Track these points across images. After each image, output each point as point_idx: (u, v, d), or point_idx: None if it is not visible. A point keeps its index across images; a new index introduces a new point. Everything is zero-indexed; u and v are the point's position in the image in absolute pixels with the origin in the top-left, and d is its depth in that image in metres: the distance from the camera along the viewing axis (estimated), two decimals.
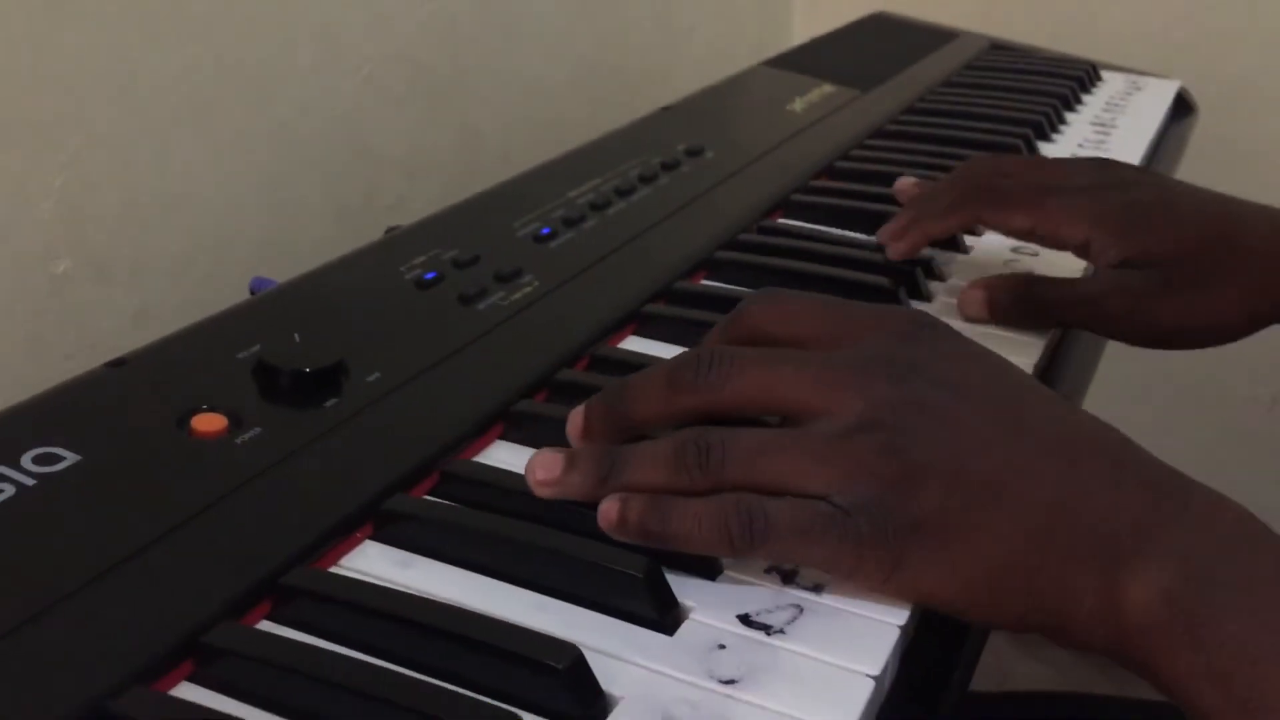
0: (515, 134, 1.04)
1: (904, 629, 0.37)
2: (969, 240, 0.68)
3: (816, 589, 0.39)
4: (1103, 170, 0.61)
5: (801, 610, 0.38)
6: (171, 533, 0.38)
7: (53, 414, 0.42)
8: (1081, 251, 0.58)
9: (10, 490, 0.38)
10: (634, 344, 0.55)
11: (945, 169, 0.73)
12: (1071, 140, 0.89)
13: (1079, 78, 1.02)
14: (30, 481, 0.39)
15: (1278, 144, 1.38)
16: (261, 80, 0.81)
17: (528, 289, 0.56)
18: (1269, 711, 0.33)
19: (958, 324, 0.55)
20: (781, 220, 0.70)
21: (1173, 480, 0.38)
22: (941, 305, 0.61)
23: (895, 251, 0.61)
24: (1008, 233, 0.60)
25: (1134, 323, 0.57)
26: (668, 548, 0.38)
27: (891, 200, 0.67)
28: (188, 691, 0.34)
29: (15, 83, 0.66)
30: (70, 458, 0.40)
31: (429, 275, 0.55)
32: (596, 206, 0.65)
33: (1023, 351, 0.56)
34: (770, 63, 0.97)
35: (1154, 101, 1.01)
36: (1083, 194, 0.58)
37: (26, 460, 0.40)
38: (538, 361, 0.50)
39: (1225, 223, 0.58)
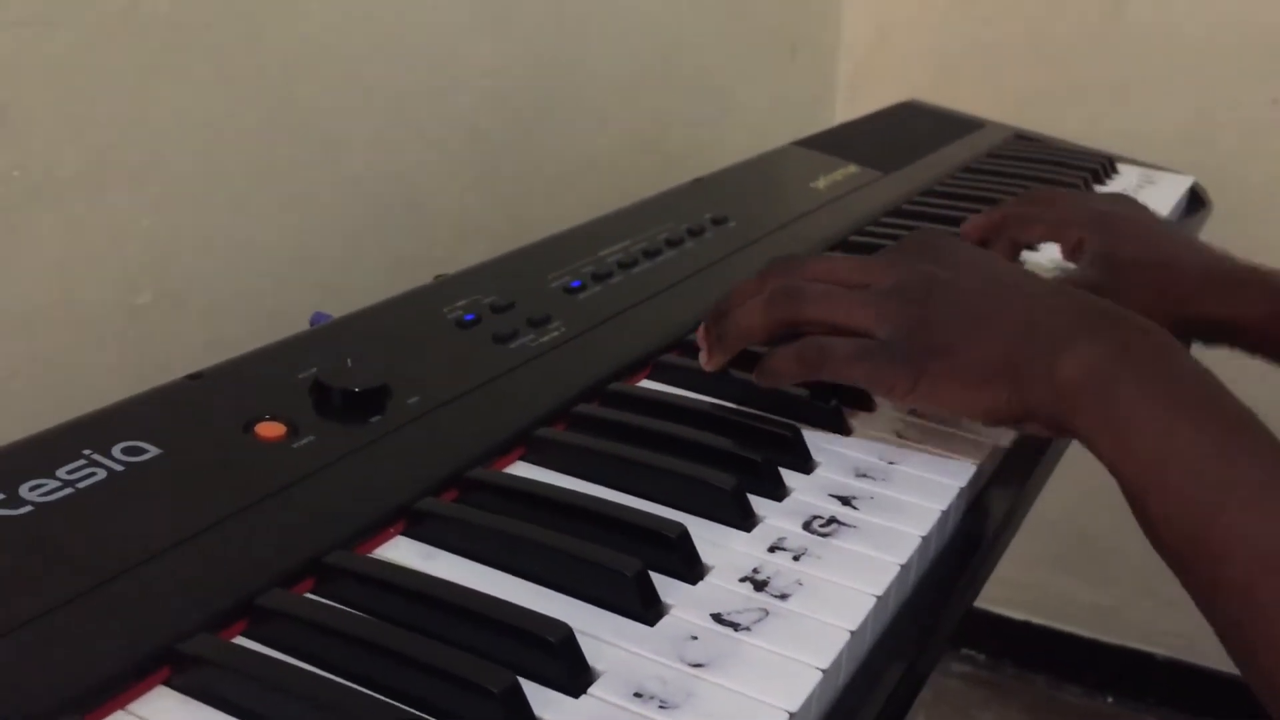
0: (562, 199, 1.12)
1: (855, 633, 0.43)
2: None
3: (783, 597, 0.45)
4: (1114, 198, 0.79)
5: (767, 613, 0.44)
6: (233, 516, 0.45)
7: (140, 414, 0.50)
8: (1078, 249, 0.73)
9: (102, 474, 0.45)
10: (647, 386, 0.61)
11: None
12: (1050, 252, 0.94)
13: (1094, 169, 1.08)
14: (119, 468, 0.46)
15: None
16: (331, 139, 0.89)
17: (555, 333, 0.62)
18: (1139, 446, 0.48)
19: None
20: None
21: (1096, 302, 0.54)
22: None
23: None
24: (1035, 242, 0.77)
25: None
26: (768, 385, 0.56)
27: None
28: (244, 642, 0.40)
29: (114, 132, 0.74)
30: (153, 451, 0.47)
31: (469, 317, 0.62)
32: (624, 265, 0.72)
33: None
34: (800, 143, 1.04)
35: (1165, 194, 1.07)
36: (1081, 204, 0.76)
37: (117, 450, 0.47)
38: (558, 395, 0.57)
39: (1173, 247, 0.73)
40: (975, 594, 0.57)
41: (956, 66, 1.62)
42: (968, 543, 0.54)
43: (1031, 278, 0.58)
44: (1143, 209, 0.78)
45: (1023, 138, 1.21)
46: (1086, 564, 1.74)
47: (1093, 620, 1.78)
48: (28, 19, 0.68)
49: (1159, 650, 1.75)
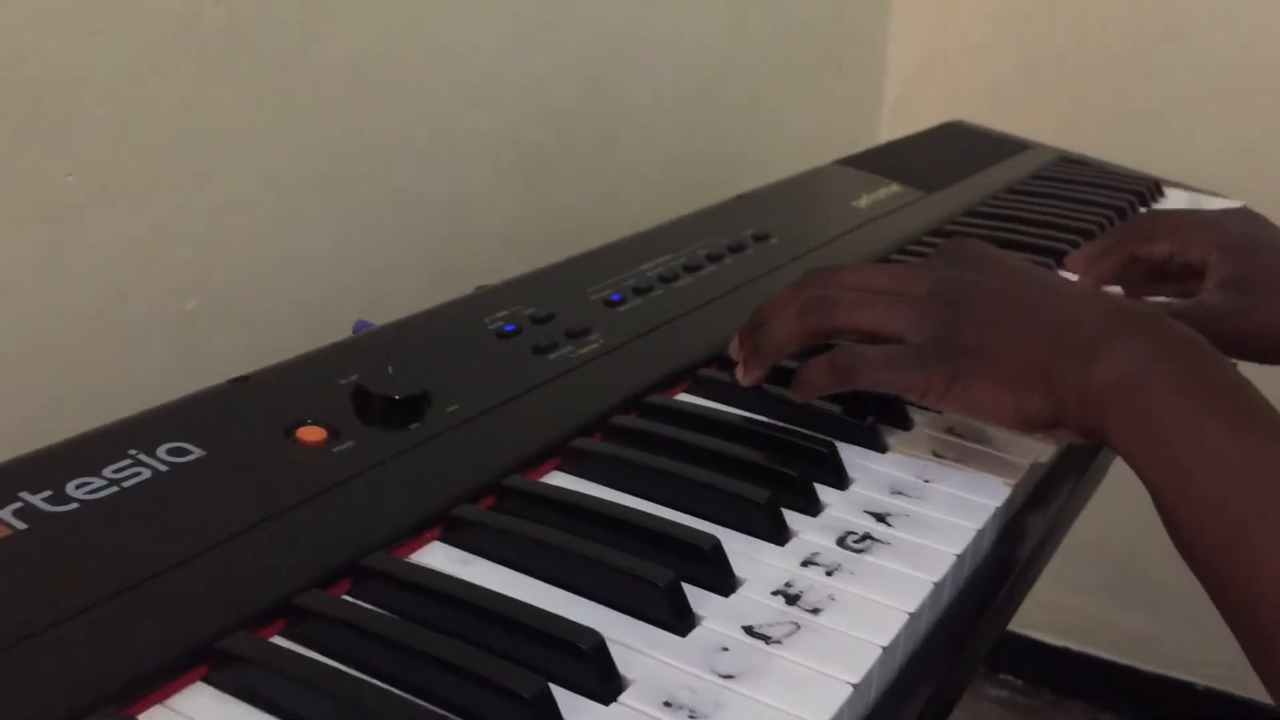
0: (607, 214, 1.12)
1: (886, 649, 0.43)
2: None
3: (815, 611, 0.45)
4: (1238, 215, 0.77)
5: (799, 627, 0.44)
6: (273, 518, 0.46)
7: (185, 416, 0.51)
8: (1201, 271, 0.71)
9: (147, 473, 0.46)
10: (684, 399, 0.62)
11: None
12: None
13: (1140, 192, 1.07)
14: (163, 468, 0.47)
15: None
16: (380, 154, 0.90)
17: (594, 345, 0.63)
18: (1170, 452, 0.48)
19: None
20: None
21: (1133, 307, 0.54)
22: None
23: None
24: (1154, 260, 0.75)
25: (1209, 332, 0.70)
26: (802, 398, 0.57)
27: None
28: (281, 642, 0.41)
29: (169, 140, 0.76)
30: (197, 452, 0.48)
31: (509, 327, 0.63)
32: (665, 279, 0.72)
33: None
34: (844, 161, 1.04)
35: None
36: (1212, 224, 0.74)
37: (161, 451, 0.48)
38: (596, 407, 0.57)
39: None
40: (1010, 615, 0.57)
41: (1005, 88, 1.61)
42: (1003, 562, 0.54)
43: (1066, 281, 0.58)
44: (1270, 226, 0.75)
45: (1069, 160, 1.21)
46: (1128, 591, 1.72)
47: (1133, 648, 1.76)
48: (90, 28, 0.69)
49: (1199, 680, 1.72)
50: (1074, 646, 1.79)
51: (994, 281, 0.56)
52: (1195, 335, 0.52)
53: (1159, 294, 0.78)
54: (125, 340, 0.76)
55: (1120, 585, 1.72)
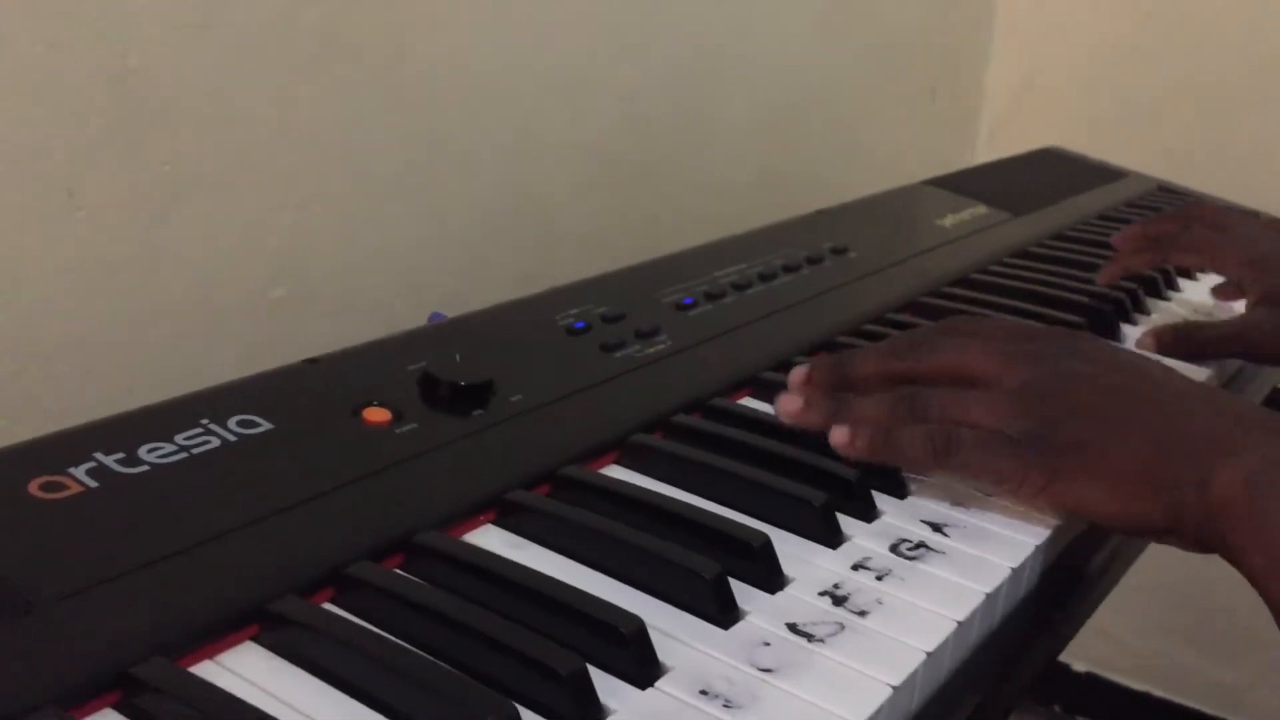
0: (690, 226, 1.13)
1: (931, 654, 0.43)
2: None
3: (862, 614, 0.45)
4: (1269, 226, 0.77)
5: (843, 627, 0.44)
6: (333, 491, 0.47)
7: (258, 391, 0.52)
8: (1237, 286, 0.74)
9: (216, 442, 0.48)
10: (747, 403, 0.62)
11: (1080, 293, 0.79)
12: (1208, 284, 0.92)
13: None
14: (232, 438, 0.48)
15: None
16: (465, 156, 0.92)
17: (661, 346, 0.63)
18: None
19: None
20: (909, 316, 0.76)
21: (1257, 410, 0.51)
22: None
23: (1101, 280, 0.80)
24: (1181, 264, 0.79)
25: (1268, 349, 0.71)
26: (883, 460, 0.52)
27: (1015, 311, 0.73)
28: (331, 608, 0.42)
29: (262, 133, 0.78)
30: (265, 425, 0.50)
31: (579, 325, 0.64)
32: (738, 286, 0.73)
33: None
34: (931, 181, 1.04)
35: None
36: (1244, 239, 0.74)
37: (232, 422, 0.49)
38: (658, 405, 0.58)
39: None
40: (1067, 637, 0.56)
41: (1104, 118, 1.59)
42: (1063, 582, 0.53)
43: (1180, 378, 0.54)
44: None
45: (1166, 190, 1.18)
46: (1214, 638, 1.66)
47: (1217, 697, 1.70)
48: (190, 22, 0.72)
49: None
50: (1156, 692, 1.74)
51: (1099, 372, 0.53)
52: None
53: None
54: (214, 324, 0.78)
55: (1206, 632, 1.67)
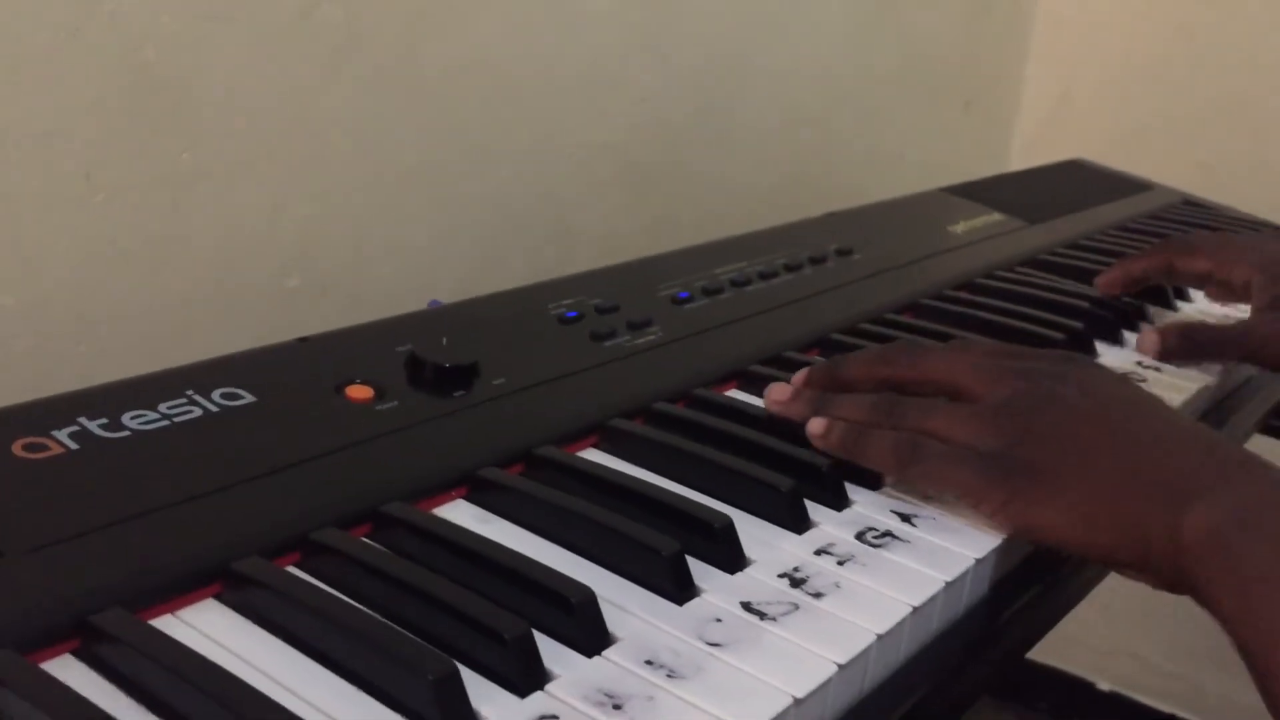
0: (709, 229, 1.14)
1: (883, 637, 0.43)
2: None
3: (818, 596, 0.45)
4: (1275, 234, 0.79)
5: (797, 608, 0.44)
6: (309, 461, 0.48)
7: (246, 366, 0.54)
8: (1245, 292, 0.73)
9: (198, 412, 0.50)
10: (733, 395, 0.62)
11: (1084, 301, 0.79)
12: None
13: None
14: (215, 409, 0.50)
15: None
16: (482, 153, 0.94)
17: (651, 337, 0.64)
18: (1265, 615, 0.43)
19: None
20: (908, 318, 0.76)
21: (1230, 448, 0.49)
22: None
23: (1101, 284, 0.80)
24: (1192, 275, 0.78)
25: (1272, 353, 0.71)
26: (850, 458, 0.53)
27: (1014, 315, 0.74)
28: (294, 571, 0.43)
29: (280, 125, 0.80)
30: (248, 398, 0.51)
31: (570, 314, 0.65)
32: (737, 283, 0.73)
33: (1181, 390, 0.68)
34: (948, 189, 1.04)
35: None
36: (1253, 246, 0.75)
37: (216, 394, 0.51)
38: (642, 394, 0.59)
39: None
40: (1039, 632, 0.56)
41: (1139, 131, 1.57)
42: (1035, 578, 0.53)
43: (1170, 415, 0.53)
44: None
45: (1192, 203, 1.18)
46: (1242, 663, 1.64)
47: None
48: (213, 13, 0.74)
49: None
50: (1181, 714, 1.72)
51: (1083, 400, 0.52)
52: None
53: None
54: (228, 312, 0.80)
55: (1235, 656, 1.64)
